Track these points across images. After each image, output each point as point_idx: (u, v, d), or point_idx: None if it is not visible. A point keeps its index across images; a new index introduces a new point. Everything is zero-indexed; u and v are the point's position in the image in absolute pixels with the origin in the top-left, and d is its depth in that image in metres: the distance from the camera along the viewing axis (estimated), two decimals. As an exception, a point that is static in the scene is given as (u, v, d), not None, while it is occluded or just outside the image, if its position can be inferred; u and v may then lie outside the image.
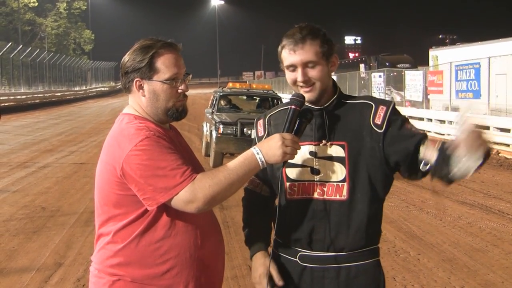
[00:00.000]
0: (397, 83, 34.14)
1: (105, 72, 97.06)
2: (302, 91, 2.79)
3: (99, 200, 2.75)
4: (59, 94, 60.24)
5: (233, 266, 7.00)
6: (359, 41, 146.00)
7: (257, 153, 2.62)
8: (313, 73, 2.76)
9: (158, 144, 2.58)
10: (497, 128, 20.15)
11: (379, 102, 2.85)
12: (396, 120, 2.78)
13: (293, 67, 2.79)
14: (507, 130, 19.60)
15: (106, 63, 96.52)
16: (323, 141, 2.79)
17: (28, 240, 8.14)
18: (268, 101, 18.44)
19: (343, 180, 2.76)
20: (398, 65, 38.40)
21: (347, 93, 2.97)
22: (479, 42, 27.64)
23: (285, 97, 48.98)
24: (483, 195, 12.14)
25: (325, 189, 2.77)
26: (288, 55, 2.78)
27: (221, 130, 14.80)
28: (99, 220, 2.77)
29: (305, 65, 2.75)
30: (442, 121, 24.43)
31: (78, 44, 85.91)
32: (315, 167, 2.80)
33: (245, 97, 19.06)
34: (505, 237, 8.79)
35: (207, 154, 16.27)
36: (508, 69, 21.75)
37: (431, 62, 32.08)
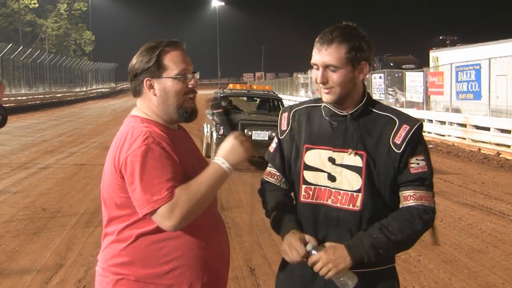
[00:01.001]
0: (399, 84, 34.14)
1: (105, 73, 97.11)
2: (322, 92, 2.79)
3: (104, 200, 2.79)
4: (59, 95, 60.24)
5: (234, 267, 6.99)
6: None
7: (223, 163, 2.67)
8: (333, 77, 2.73)
9: (153, 153, 2.59)
10: (498, 129, 20.18)
11: (404, 120, 2.78)
12: (415, 146, 2.75)
13: (316, 66, 2.78)
14: (508, 131, 19.61)
15: (107, 64, 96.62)
16: (349, 150, 2.76)
17: (29, 241, 8.14)
18: (268, 102, 18.45)
19: (358, 191, 2.74)
20: (403, 66, 38.09)
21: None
22: (480, 43, 27.64)
23: (286, 98, 49.12)
24: (484, 196, 12.14)
25: (339, 197, 2.77)
26: (314, 53, 2.78)
27: (221, 132, 14.80)
28: (104, 219, 2.81)
29: (326, 67, 2.74)
30: (443, 122, 24.44)
31: (78, 45, 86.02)
32: (332, 173, 2.79)
33: (245, 98, 19.05)
34: (506, 238, 8.79)
35: (208, 155, 16.28)
36: (508, 70, 21.76)
37: (431, 63, 32.11)
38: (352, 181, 2.75)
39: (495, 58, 22.82)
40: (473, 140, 21.52)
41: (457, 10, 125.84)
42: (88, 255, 7.49)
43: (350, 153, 2.76)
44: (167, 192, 2.54)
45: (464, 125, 22.75)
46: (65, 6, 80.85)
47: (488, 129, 20.79)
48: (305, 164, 2.84)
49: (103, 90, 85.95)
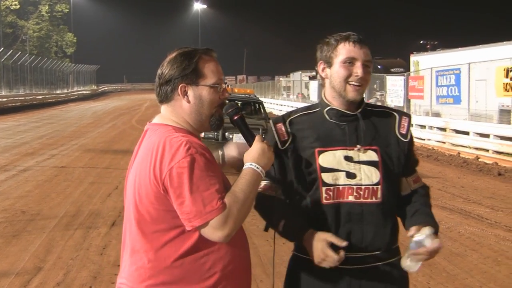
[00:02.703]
0: (379, 88, 34.23)
1: (87, 75, 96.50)
2: (351, 89, 2.88)
3: (136, 215, 2.66)
4: (40, 97, 59.84)
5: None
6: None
7: (257, 168, 2.66)
8: (366, 73, 2.89)
9: (200, 163, 2.53)
10: (477, 134, 20.34)
11: (400, 113, 3.06)
12: (412, 135, 3.06)
13: (351, 61, 2.87)
14: (487, 136, 19.78)
15: (88, 66, 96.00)
16: (358, 146, 2.89)
17: (8, 244, 8.10)
18: (250, 105, 18.48)
19: (378, 183, 2.89)
20: (392, 69, 37.90)
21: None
22: (460, 48, 27.85)
23: (268, 101, 49.15)
24: (463, 200, 12.23)
25: (361, 192, 2.87)
26: (352, 47, 2.88)
27: (202, 134, 14.76)
28: (133, 236, 2.68)
29: (364, 63, 2.88)
30: (423, 126, 24.59)
31: (60, 47, 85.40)
32: (351, 171, 2.88)
33: (227, 102, 19.05)
34: (484, 241, 8.87)
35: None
36: (488, 75, 21.93)
37: (412, 67, 32.24)
38: (371, 176, 2.88)
39: (475, 63, 22.99)
40: (453, 144, 21.68)
41: (438, 15, 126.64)
42: (68, 258, 7.47)
43: (359, 149, 2.88)
44: (220, 203, 2.49)
45: (444, 129, 22.91)
46: (47, 7, 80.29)
47: (467, 133, 20.95)
48: (321, 166, 2.89)
49: (84, 92, 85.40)
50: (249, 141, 2.80)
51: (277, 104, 49.25)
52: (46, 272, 6.99)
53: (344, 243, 2.72)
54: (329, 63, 2.92)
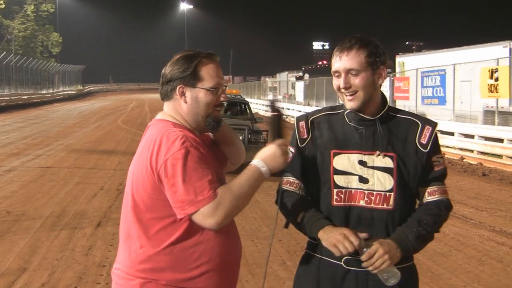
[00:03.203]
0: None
1: (72, 75, 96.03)
2: (346, 99, 2.91)
3: (132, 202, 2.81)
4: (25, 97, 59.49)
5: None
6: (327, 47, 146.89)
7: (262, 167, 2.77)
8: (355, 81, 2.87)
9: (193, 156, 2.67)
10: (462, 134, 20.45)
11: (425, 121, 3.00)
12: (437, 145, 3.00)
13: (337, 73, 2.90)
14: (471, 136, 19.90)
15: (74, 66, 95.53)
16: (377, 152, 2.90)
17: (-8, 245, 8.06)
18: (236, 106, 18.45)
19: (391, 190, 2.89)
20: None
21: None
22: (445, 49, 27.98)
23: (254, 101, 49.11)
24: (448, 200, 12.27)
25: (372, 198, 2.89)
26: (335, 61, 2.91)
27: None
28: (129, 223, 2.84)
29: (348, 72, 2.87)
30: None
31: (45, 47, 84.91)
32: (364, 176, 2.90)
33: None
34: (468, 242, 8.93)
35: None
36: (472, 76, 22.06)
37: (397, 68, 32.37)
38: (384, 182, 2.89)
39: (460, 64, 23.13)
40: (438, 145, 21.73)
41: (423, 16, 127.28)
42: (53, 259, 7.45)
43: (378, 155, 2.89)
44: (211, 192, 2.63)
45: (429, 130, 22.97)
46: (32, 7, 79.83)
47: (452, 134, 21.05)
48: (334, 168, 2.92)
49: (70, 92, 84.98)
50: (272, 140, 2.88)
51: (263, 105, 49.25)
52: (31, 272, 6.97)
53: (363, 235, 2.81)
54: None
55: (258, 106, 48.67)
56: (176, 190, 2.65)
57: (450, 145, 20.79)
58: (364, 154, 2.90)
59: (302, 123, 3.07)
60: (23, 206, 10.67)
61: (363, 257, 2.76)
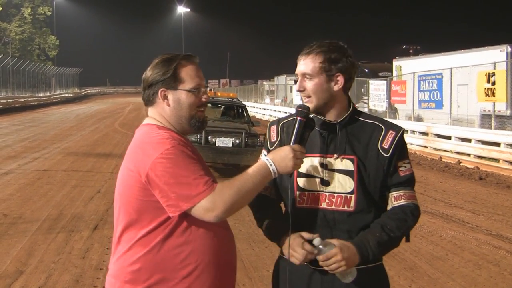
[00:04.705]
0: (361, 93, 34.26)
1: (69, 78, 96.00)
2: (303, 100, 2.98)
3: (121, 206, 2.85)
4: (22, 100, 59.42)
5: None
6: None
7: (271, 165, 2.77)
8: (307, 85, 2.95)
9: (182, 153, 2.69)
10: (459, 138, 20.49)
11: (389, 126, 3.03)
12: (402, 151, 3.01)
13: (297, 76, 2.99)
14: (468, 140, 19.93)
15: (71, 69, 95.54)
16: (335, 155, 2.94)
17: (-11, 248, 8.05)
18: (233, 109, 18.46)
19: (351, 192, 2.92)
20: (380, 74, 37.72)
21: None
22: (442, 53, 28.00)
23: (251, 105, 49.13)
24: (444, 204, 12.32)
25: (333, 200, 2.93)
26: (298, 65, 2.99)
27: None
28: (120, 227, 2.86)
29: (303, 76, 2.95)
30: (405, 131, 24.65)
31: (42, 49, 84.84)
32: (325, 178, 2.94)
33: (210, 105, 19.06)
34: (465, 245, 8.94)
35: None
36: (469, 80, 22.09)
37: (394, 72, 32.40)
38: (345, 184, 2.92)
39: (457, 67, 23.16)
40: (435, 149, 21.81)
41: (420, 20, 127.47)
42: (50, 262, 7.44)
43: (337, 158, 2.92)
44: (206, 186, 2.64)
45: (426, 134, 23.05)
46: (29, 10, 79.78)
47: (449, 137, 21.09)
48: (298, 171, 2.96)
49: (67, 95, 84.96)
50: (288, 143, 2.88)
51: (260, 108, 49.23)
52: (27, 275, 6.96)
53: (315, 235, 2.82)
54: None
55: (256, 109, 48.67)
56: (169, 189, 2.64)
57: (447, 149, 20.83)
58: (326, 157, 2.95)
59: (274, 127, 3.16)
60: (20, 209, 10.66)
61: (320, 258, 2.79)
